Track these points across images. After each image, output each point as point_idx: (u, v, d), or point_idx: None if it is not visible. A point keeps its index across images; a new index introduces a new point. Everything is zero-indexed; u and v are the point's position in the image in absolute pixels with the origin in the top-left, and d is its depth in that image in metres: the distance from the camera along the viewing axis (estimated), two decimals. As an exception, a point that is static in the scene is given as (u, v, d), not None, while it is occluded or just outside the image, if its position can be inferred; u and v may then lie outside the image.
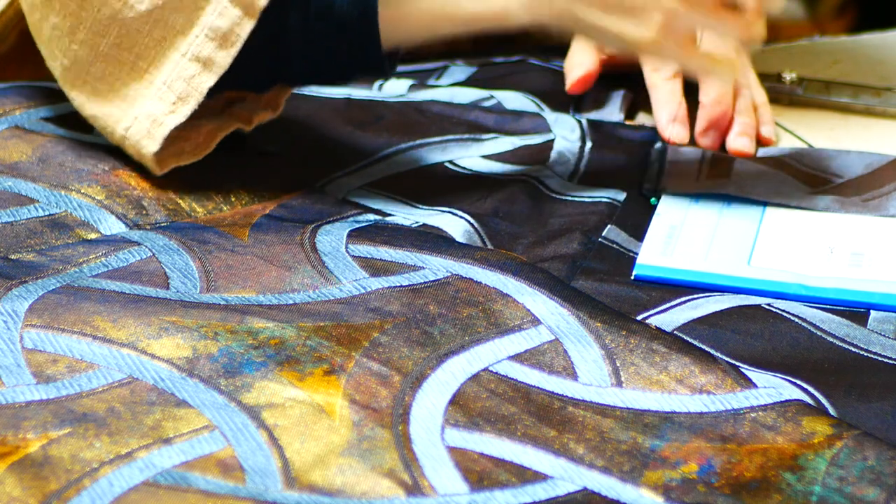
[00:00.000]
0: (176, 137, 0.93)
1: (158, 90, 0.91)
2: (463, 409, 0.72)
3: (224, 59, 0.90)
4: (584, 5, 0.91)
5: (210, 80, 0.90)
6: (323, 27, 0.91)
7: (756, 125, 1.06)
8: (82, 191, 0.92)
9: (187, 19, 0.91)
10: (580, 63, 1.10)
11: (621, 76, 1.11)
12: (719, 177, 0.97)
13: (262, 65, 0.94)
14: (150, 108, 0.91)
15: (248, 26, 0.90)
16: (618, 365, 0.76)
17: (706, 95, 1.04)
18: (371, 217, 0.92)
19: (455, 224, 0.92)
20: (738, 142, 1.03)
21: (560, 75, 1.12)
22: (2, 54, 1.11)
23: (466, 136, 1.04)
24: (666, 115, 1.05)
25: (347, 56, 0.93)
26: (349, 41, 0.92)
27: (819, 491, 0.67)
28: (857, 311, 0.84)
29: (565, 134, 1.04)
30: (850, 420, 0.73)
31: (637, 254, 0.90)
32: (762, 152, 1.03)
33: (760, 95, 1.09)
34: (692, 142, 1.04)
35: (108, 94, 0.93)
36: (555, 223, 0.94)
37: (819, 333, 0.82)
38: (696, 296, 0.86)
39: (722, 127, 1.04)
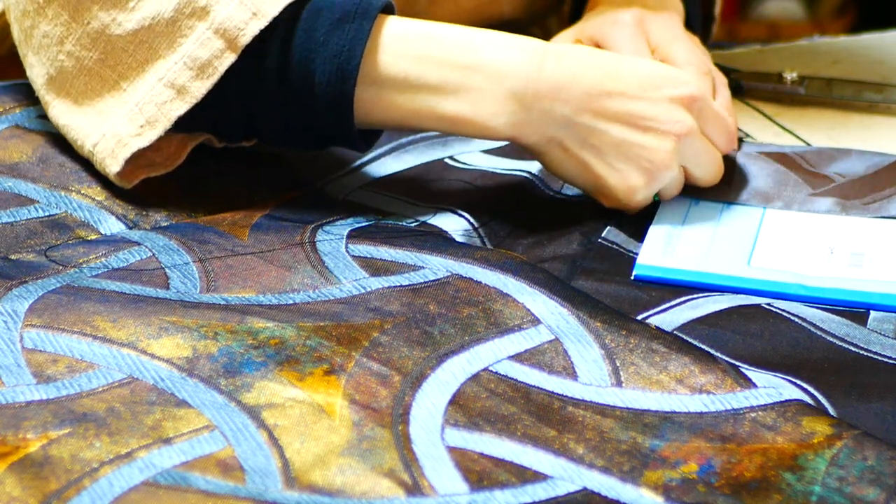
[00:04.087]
0: (147, 149, 0.92)
1: (130, 111, 0.90)
2: (463, 409, 0.72)
3: (198, 89, 0.89)
4: (580, 139, 0.90)
5: (181, 108, 0.89)
6: (298, 94, 0.90)
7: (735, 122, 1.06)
8: (82, 191, 0.92)
9: (169, 45, 0.90)
10: None
11: None
12: (721, 182, 0.97)
13: (235, 115, 0.92)
14: (118, 127, 0.91)
15: (227, 60, 0.89)
16: (618, 365, 0.76)
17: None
18: (371, 217, 0.92)
19: (455, 223, 0.92)
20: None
21: None
22: (1, 55, 1.10)
23: (467, 133, 1.04)
24: None
25: (319, 128, 0.91)
26: (323, 115, 0.90)
27: (819, 491, 0.67)
28: (856, 311, 0.84)
29: (565, 134, 1.04)
30: (850, 420, 0.73)
31: (637, 254, 0.90)
32: (765, 148, 1.03)
33: (720, 76, 1.09)
34: None
35: (86, 107, 0.93)
36: (555, 223, 0.94)
37: (819, 333, 0.82)
38: (695, 296, 0.85)
39: None
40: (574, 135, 0.90)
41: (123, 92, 0.91)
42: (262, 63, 0.89)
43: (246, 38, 0.88)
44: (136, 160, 0.92)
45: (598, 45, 1.05)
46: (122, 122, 0.90)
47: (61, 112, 0.94)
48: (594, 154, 0.90)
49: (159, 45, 0.90)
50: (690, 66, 1.04)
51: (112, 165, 0.91)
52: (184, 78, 0.89)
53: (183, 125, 0.90)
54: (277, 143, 0.96)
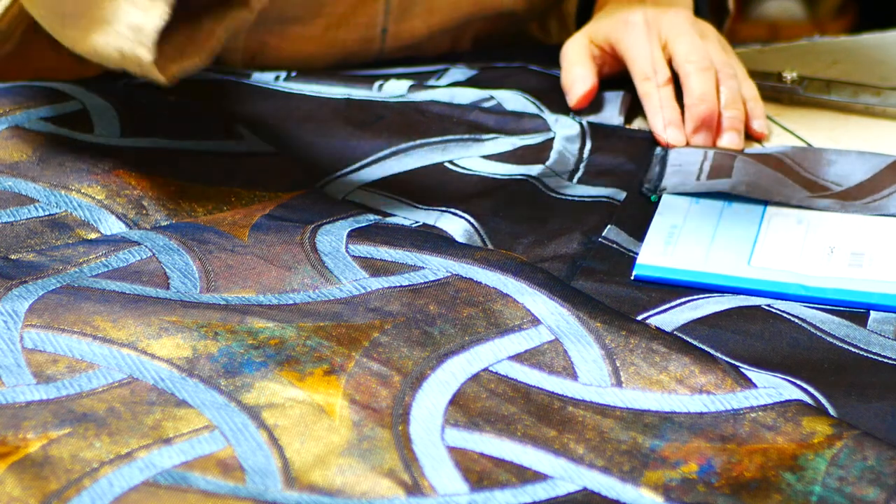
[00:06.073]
0: (174, 40, 0.89)
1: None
2: (463, 409, 0.72)
3: None
4: None
5: None
6: None
7: (745, 118, 1.06)
8: (82, 191, 0.92)
9: None
10: (581, 77, 1.09)
11: (617, 79, 1.11)
12: (720, 176, 0.97)
13: None
14: (127, 18, 0.88)
15: None
16: (618, 365, 0.76)
17: (689, 96, 1.04)
18: (371, 217, 0.92)
19: (455, 224, 0.92)
20: (727, 138, 1.04)
21: (560, 81, 1.12)
22: (6, 53, 1.10)
23: (466, 136, 1.04)
24: (661, 121, 1.05)
25: None
26: None
27: (819, 491, 0.67)
28: (856, 312, 0.84)
29: (565, 133, 1.04)
30: (850, 420, 0.73)
31: (637, 254, 0.90)
32: (763, 149, 1.03)
33: (750, 89, 1.08)
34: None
35: (89, 25, 0.90)
36: (555, 223, 0.94)
37: (819, 334, 0.82)
38: (696, 296, 0.86)
39: (711, 123, 1.04)
40: None
41: None
42: None
43: None
44: (169, 51, 0.89)
45: (612, 46, 1.08)
46: (128, 11, 0.88)
47: (75, 41, 0.92)
48: None
49: None
50: (690, 63, 1.05)
51: (144, 54, 0.88)
52: None
53: None
54: None
